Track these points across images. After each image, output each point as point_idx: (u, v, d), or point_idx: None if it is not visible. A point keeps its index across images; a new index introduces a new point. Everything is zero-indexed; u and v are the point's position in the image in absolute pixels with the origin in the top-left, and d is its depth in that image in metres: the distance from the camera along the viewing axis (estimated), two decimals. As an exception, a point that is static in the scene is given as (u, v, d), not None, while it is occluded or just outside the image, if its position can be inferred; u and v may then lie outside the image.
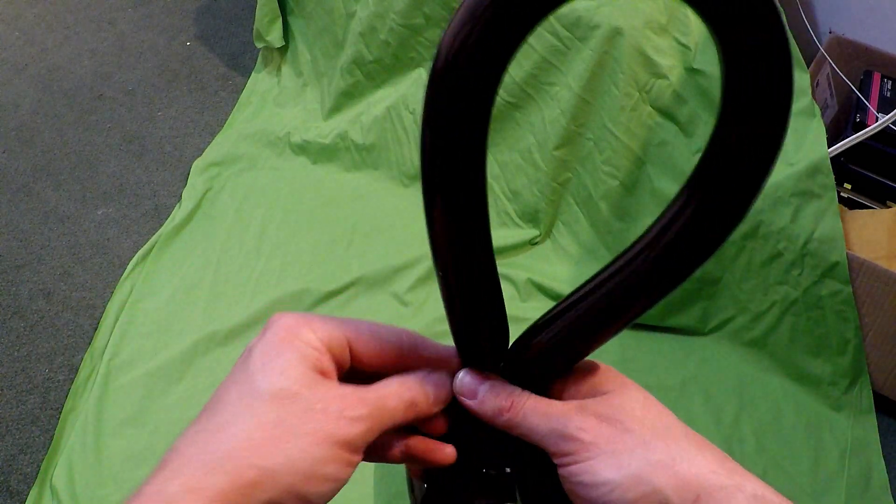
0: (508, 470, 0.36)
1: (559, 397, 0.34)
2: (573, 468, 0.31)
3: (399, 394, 0.32)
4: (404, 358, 0.34)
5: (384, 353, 0.33)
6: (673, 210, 0.30)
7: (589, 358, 0.34)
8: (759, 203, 1.00)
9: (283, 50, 1.53)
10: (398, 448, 0.35)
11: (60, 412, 1.04)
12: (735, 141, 0.30)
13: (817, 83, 1.13)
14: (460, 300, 0.33)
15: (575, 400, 0.33)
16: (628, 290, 0.30)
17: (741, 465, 0.31)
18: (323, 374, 0.31)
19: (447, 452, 0.35)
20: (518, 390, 0.34)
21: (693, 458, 0.30)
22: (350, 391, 0.30)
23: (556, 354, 0.34)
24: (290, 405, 0.28)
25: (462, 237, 0.32)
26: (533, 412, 0.32)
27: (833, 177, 0.97)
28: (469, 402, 0.34)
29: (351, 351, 0.33)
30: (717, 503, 0.29)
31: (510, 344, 0.37)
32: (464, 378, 0.34)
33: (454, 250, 0.32)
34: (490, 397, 0.33)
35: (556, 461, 0.32)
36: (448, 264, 0.32)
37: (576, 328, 0.33)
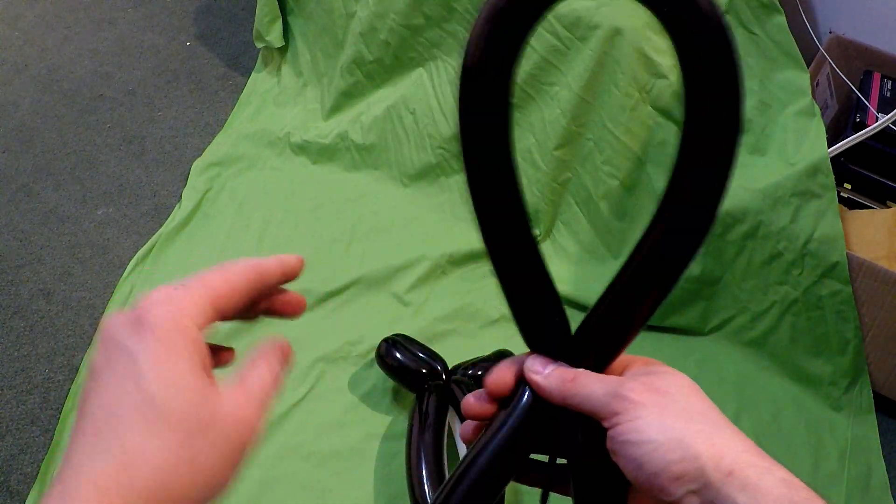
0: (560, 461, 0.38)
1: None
2: (621, 427, 0.32)
3: (263, 378, 0.32)
4: (259, 291, 0.35)
5: (242, 299, 0.34)
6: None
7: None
8: (759, 203, 1.00)
9: (283, 50, 1.53)
10: (260, 309, 0.37)
11: (60, 412, 1.04)
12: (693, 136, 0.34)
13: (817, 83, 1.13)
14: (512, 286, 0.40)
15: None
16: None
17: None
18: (206, 368, 0.30)
19: (298, 300, 0.38)
20: (582, 369, 0.37)
21: (730, 438, 0.31)
22: (237, 393, 0.30)
23: (610, 333, 0.38)
24: (197, 431, 0.28)
25: (502, 218, 0.38)
26: (592, 380, 0.35)
27: (833, 177, 0.97)
28: (536, 377, 0.37)
29: (216, 309, 0.33)
30: (748, 479, 0.30)
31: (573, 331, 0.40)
32: (534, 358, 0.38)
33: (496, 230, 0.38)
34: (556, 372, 0.37)
35: (606, 424, 0.33)
36: (492, 242, 0.39)
37: (622, 301, 0.38)
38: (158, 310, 0.30)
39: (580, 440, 0.36)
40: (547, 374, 0.37)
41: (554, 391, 0.36)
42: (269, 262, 0.36)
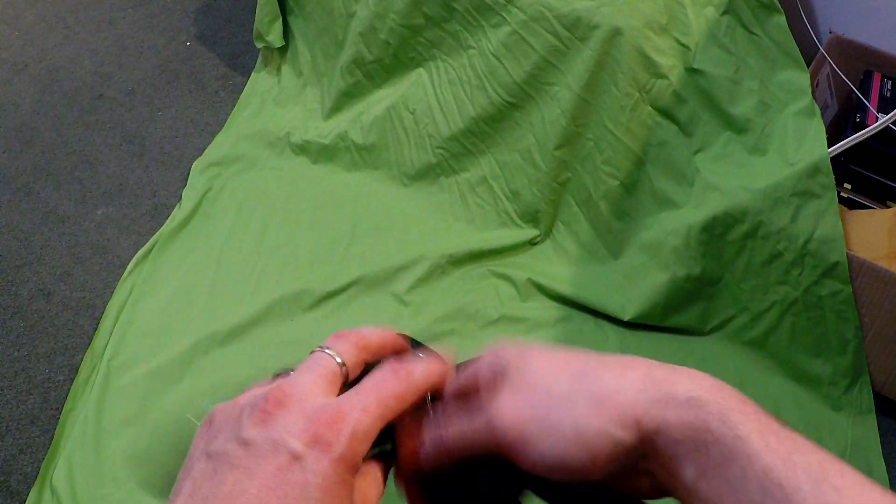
0: None
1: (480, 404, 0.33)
2: (533, 461, 0.30)
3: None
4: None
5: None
6: None
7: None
8: (759, 203, 1.00)
9: (283, 50, 1.53)
10: None
11: (60, 412, 1.04)
12: None
13: (817, 83, 1.13)
14: None
15: (489, 399, 0.32)
16: None
17: None
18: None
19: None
20: (436, 428, 0.32)
21: (618, 387, 0.29)
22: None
23: None
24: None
25: None
26: (462, 435, 0.31)
27: (833, 177, 0.97)
28: (423, 467, 0.33)
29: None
30: (654, 422, 0.28)
31: None
32: (403, 458, 0.33)
33: None
34: (431, 454, 0.32)
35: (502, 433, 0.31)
36: None
37: None
38: (341, 430, 0.27)
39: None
40: (425, 455, 0.32)
41: (440, 462, 0.32)
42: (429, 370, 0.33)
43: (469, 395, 0.33)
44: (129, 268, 1.21)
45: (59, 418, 1.04)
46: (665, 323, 1.09)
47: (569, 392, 0.30)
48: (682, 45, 1.10)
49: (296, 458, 0.25)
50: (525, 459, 0.30)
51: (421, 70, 1.31)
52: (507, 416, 0.30)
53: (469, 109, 1.24)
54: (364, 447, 0.27)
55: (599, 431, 0.28)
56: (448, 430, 0.32)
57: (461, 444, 0.31)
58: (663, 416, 0.28)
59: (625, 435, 0.28)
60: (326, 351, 0.30)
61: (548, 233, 1.23)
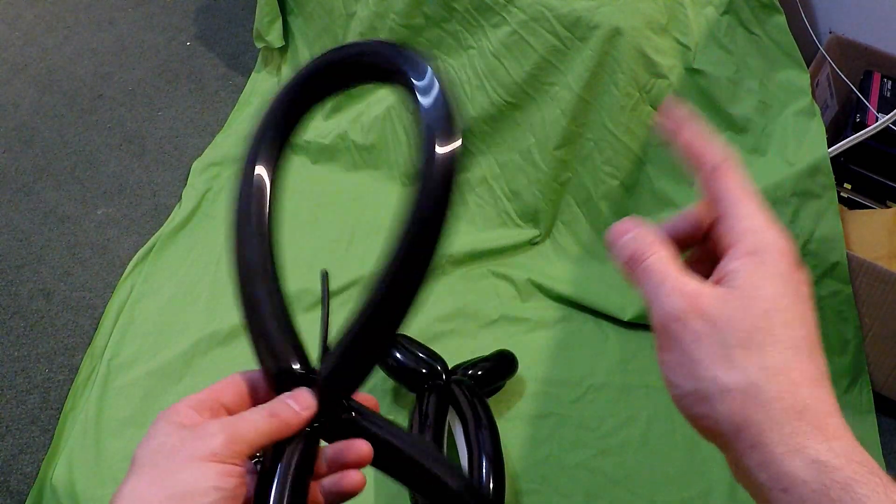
0: None
1: (722, 244, 0.33)
2: (660, 354, 0.31)
3: (254, 411, 0.38)
4: (255, 392, 0.41)
5: (241, 392, 0.40)
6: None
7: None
8: (759, 203, 1.00)
9: (283, 50, 1.53)
10: (321, 464, 0.40)
11: (60, 412, 1.04)
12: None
13: (817, 83, 1.13)
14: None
15: (697, 280, 0.32)
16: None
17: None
18: (190, 424, 0.36)
19: (363, 450, 0.39)
20: (649, 241, 0.34)
21: (769, 401, 0.28)
22: (209, 422, 0.36)
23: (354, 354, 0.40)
24: (162, 451, 0.35)
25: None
26: (649, 274, 0.33)
27: (833, 177, 0.97)
28: (613, 251, 0.35)
29: (219, 401, 0.39)
30: (771, 459, 0.28)
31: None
32: (615, 226, 0.35)
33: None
34: (622, 246, 0.34)
35: (654, 329, 0.32)
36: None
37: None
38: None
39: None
40: (622, 243, 0.35)
41: (622, 264, 0.35)
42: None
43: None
44: (129, 268, 1.21)
45: (59, 418, 1.04)
46: (665, 323, 1.09)
47: (734, 358, 0.29)
48: (682, 45, 1.10)
49: None
50: (659, 358, 0.32)
51: (421, 70, 1.31)
52: (690, 330, 0.30)
53: (469, 109, 1.24)
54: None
55: (715, 416, 0.29)
56: (652, 254, 0.33)
57: (648, 275, 0.33)
58: (782, 461, 0.28)
59: (730, 440, 0.29)
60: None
61: (548, 233, 1.23)
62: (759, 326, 0.29)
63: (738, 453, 0.29)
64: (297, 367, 0.40)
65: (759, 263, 0.31)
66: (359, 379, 0.40)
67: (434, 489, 0.40)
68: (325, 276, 0.46)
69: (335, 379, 0.40)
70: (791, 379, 0.29)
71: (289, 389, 0.39)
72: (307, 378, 0.40)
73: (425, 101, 0.39)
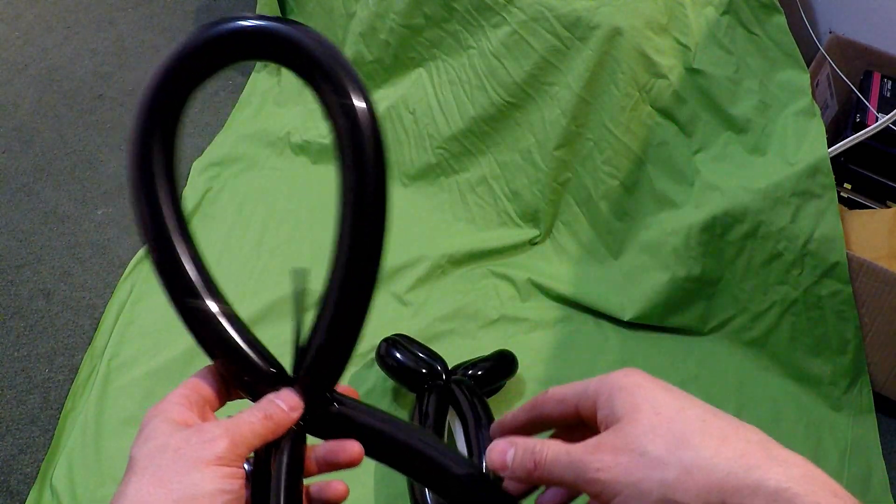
0: None
1: (596, 425, 0.35)
2: None
3: (250, 413, 0.38)
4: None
5: (221, 389, 0.41)
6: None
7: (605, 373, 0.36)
8: (759, 203, 1.00)
9: (283, 50, 1.53)
10: (311, 462, 0.41)
11: (60, 412, 1.04)
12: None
13: (817, 83, 1.13)
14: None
15: (592, 439, 0.34)
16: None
17: None
18: (185, 423, 0.37)
19: (354, 450, 0.40)
20: (538, 444, 0.35)
21: (711, 462, 0.30)
22: (205, 423, 0.37)
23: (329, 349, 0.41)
24: (164, 453, 0.35)
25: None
26: (555, 464, 0.34)
27: (833, 177, 0.97)
28: (503, 475, 0.37)
29: (202, 393, 0.40)
30: None
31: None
32: (492, 452, 0.37)
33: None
34: (518, 465, 0.35)
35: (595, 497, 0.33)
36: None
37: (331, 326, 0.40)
38: (150, 409, 0.39)
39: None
40: (511, 470, 0.36)
41: (521, 477, 0.36)
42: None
43: (569, 415, 0.37)
44: (129, 268, 1.21)
45: (59, 418, 1.04)
46: (665, 323, 1.09)
47: (664, 457, 0.30)
48: (682, 45, 1.10)
49: None
50: None
51: (421, 70, 1.31)
52: (605, 476, 0.31)
53: (469, 109, 1.24)
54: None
55: None
56: (546, 450, 0.34)
57: (554, 469, 0.34)
58: (750, 503, 0.28)
59: None
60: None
61: (548, 233, 1.23)
62: (660, 426, 0.32)
63: None
64: (272, 370, 0.41)
65: (622, 395, 0.34)
66: (338, 371, 0.41)
67: (434, 474, 0.40)
68: (299, 275, 0.46)
69: (316, 374, 0.41)
70: (718, 438, 0.31)
71: (266, 391, 0.40)
72: (284, 378, 0.41)
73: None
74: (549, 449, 0.34)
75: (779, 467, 0.29)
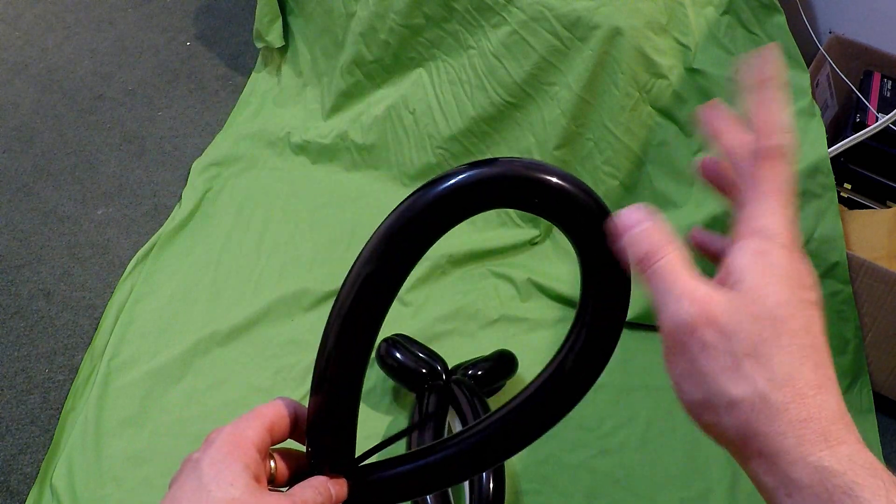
0: None
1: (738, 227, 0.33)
2: (667, 358, 0.32)
3: (314, 498, 0.38)
4: (298, 425, 0.42)
5: (287, 427, 0.41)
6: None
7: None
8: (759, 203, 1.00)
9: (283, 50, 1.53)
10: None
11: (60, 412, 1.04)
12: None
13: (817, 83, 1.13)
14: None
15: (707, 283, 0.32)
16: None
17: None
18: (258, 479, 0.37)
19: None
20: (663, 241, 0.33)
21: (775, 412, 0.29)
22: (279, 498, 0.37)
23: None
24: None
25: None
26: (660, 276, 0.32)
27: (833, 177, 0.97)
28: (617, 241, 0.35)
29: (271, 436, 0.40)
30: (776, 466, 0.28)
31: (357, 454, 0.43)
32: (624, 213, 0.34)
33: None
34: (635, 242, 0.34)
35: (662, 333, 0.32)
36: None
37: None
38: (225, 433, 0.37)
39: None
40: (629, 238, 0.34)
41: (623, 251, 0.34)
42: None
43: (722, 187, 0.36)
44: (129, 268, 1.21)
45: (59, 418, 1.04)
46: (665, 323, 1.09)
47: (742, 368, 0.29)
48: (682, 45, 1.10)
49: (191, 460, 0.37)
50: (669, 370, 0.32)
51: (421, 70, 1.31)
52: (699, 334, 0.30)
53: (469, 109, 1.24)
54: None
55: (722, 427, 0.30)
56: (665, 258, 0.33)
57: (659, 279, 0.32)
58: (788, 468, 0.28)
59: (737, 449, 0.30)
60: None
61: (548, 233, 1.23)
62: (766, 336, 0.30)
63: (745, 459, 0.30)
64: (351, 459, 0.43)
65: (767, 265, 0.31)
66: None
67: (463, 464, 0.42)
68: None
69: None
70: (797, 390, 0.29)
71: (328, 472, 0.41)
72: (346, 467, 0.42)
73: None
74: (666, 256, 0.32)
75: (829, 447, 0.28)
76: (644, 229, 0.33)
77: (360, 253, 0.38)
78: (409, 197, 0.37)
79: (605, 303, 0.39)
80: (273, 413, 0.40)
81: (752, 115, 0.34)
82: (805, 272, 0.32)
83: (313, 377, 0.40)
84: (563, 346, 0.40)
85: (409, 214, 0.37)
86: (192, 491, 0.34)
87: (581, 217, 0.37)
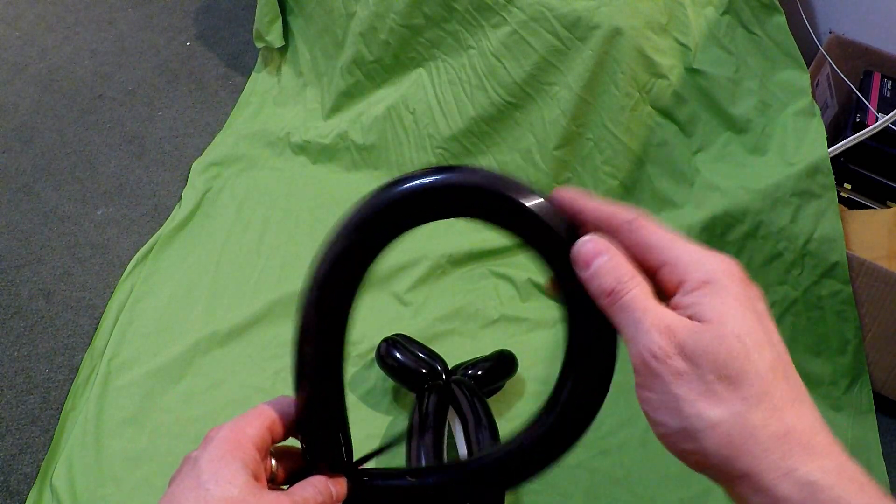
0: None
1: (673, 293, 0.33)
2: (641, 391, 0.31)
3: (314, 497, 0.38)
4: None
5: (289, 425, 0.41)
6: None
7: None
8: (759, 203, 1.00)
9: (283, 50, 1.53)
10: None
11: (60, 412, 1.04)
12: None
13: (817, 83, 1.13)
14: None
15: (672, 314, 0.31)
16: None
17: None
18: (257, 478, 0.37)
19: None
20: (628, 275, 0.33)
21: (756, 429, 0.29)
22: (279, 496, 0.37)
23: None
24: None
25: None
26: (628, 310, 0.32)
27: (833, 177, 0.97)
28: (580, 273, 0.34)
29: (271, 435, 0.40)
30: (763, 484, 0.28)
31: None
32: (585, 244, 0.34)
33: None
34: (599, 275, 0.33)
35: (633, 366, 0.32)
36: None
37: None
38: (223, 431, 0.37)
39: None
40: (592, 272, 0.33)
41: (591, 287, 0.33)
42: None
43: (643, 264, 0.34)
44: (129, 268, 1.21)
45: (59, 418, 1.04)
46: (665, 323, 1.09)
47: (717, 393, 0.30)
48: (682, 45, 1.10)
49: (190, 458, 0.37)
50: (640, 393, 0.32)
51: (421, 70, 1.31)
52: (667, 368, 0.30)
53: (469, 109, 1.24)
54: None
55: (705, 451, 0.29)
56: (633, 292, 0.32)
57: (627, 313, 0.32)
58: (775, 484, 0.28)
59: (722, 471, 0.29)
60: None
61: (548, 233, 1.23)
62: (735, 356, 0.30)
63: (730, 483, 0.30)
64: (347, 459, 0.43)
65: (716, 291, 0.31)
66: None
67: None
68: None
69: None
70: (773, 404, 0.29)
71: (325, 471, 0.41)
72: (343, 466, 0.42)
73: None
74: (633, 290, 0.32)
75: (814, 460, 0.29)
76: (607, 262, 0.33)
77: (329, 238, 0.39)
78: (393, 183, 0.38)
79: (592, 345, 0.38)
80: (273, 411, 0.40)
81: (598, 218, 0.35)
82: (749, 284, 0.32)
83: (292, 372, 0.41)
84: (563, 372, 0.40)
85: (379, 200, 0.38)
86: (191, 489, 0.35)
87: (553, 246, 0.35)
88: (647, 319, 0.31)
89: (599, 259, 0.33)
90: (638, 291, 0.32)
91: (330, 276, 0.38)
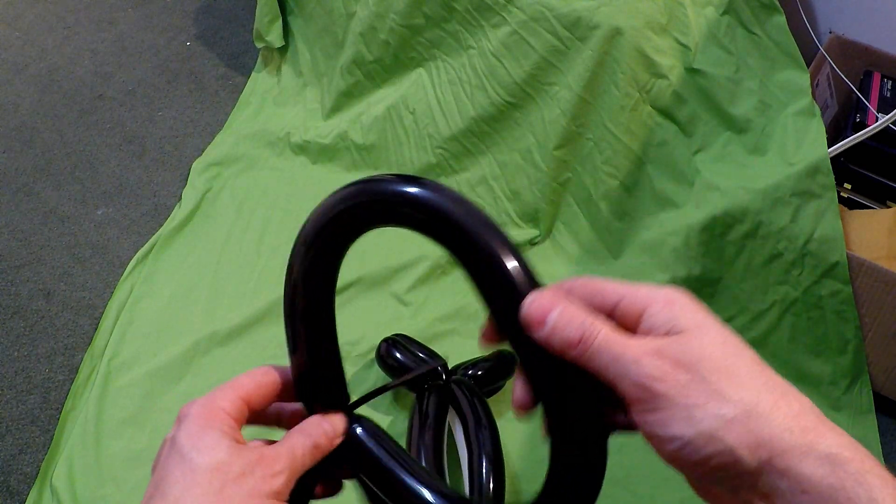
0: None
1: (635, 326, 0.33)
2: (646, 417, 0.31)
3: (303, 443, 0.37)
4: (284, 390, 0.40)
5: (269, 395, 0.40)
6: None
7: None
8: (759, 203, 1.00)
9: (283, 50, 1.53)
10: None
11: (60, 412, 1.04)
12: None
13: (817, 83, 1.13)
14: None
15: (650, 339, 0.31)
16: None
17: None
18: (238, 441, 0.36)
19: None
20: (590, 319, 0.32)
21: (769, 414, 0.29)
22: (267, 451, 0.36)
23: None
24: (227, 473, 0.34)
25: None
26: (605, 350, 0.31)
27: (833, 177, 0.97)
28: (537, 334, 0.33)
29: (248, 405, 0.39)
30: (787, 465, 0.28)
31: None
32: (533, 303, 0.33)
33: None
34: (560, 328, 0.32)
35: (627, 405, 0.31)
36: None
37: None
38: (195, 406, 0.38)
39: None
40: (550, 330, 0.32)
41: (555, 344, 0.32)
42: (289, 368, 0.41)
43: (601, 310, 0.33)
44: (129, 268, 1.21)
45: (59, 418, 1.04)
46: (665, 323, 1.09)
47: (726, 392, 0.29)
48: (682, 45, 1.10)
49: (169, 438, 0.37)
50: (651, 435, 0.31)
51: (421, 70, 1.31)
52: (661, 387, 0.30)
53: (469, 109, 1.24)
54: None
55: (727, 447, 0.29)
56: (599, 330, 0.32)
57: (599, 355, 0.31)
58: (799, 464, 0.28)
59: (749, 462, 0.29)
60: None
61: (548, 233, 1.23)
62: (728, 353, 0.30)
63: (752, 479, 0.29)
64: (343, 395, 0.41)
65: (683, 306, 0.32)
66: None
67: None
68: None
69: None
70: (778, 392, 0.30)
71: (320, 411, 0.40)
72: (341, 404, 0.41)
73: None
74: (602, 330, 0.31)
75: (831, 432, 0.29)
76: (563, 313, 0.32)
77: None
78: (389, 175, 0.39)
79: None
80: (249, 382, 0.39)
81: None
82: (703, 304, 0.33)
83: (285, 331, 0.40)
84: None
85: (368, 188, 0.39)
86: (175, 466, 0.34)
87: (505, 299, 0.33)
88: (629, 352, 0.31)
89: (553, 313, 0.32)
90: (606, 330, 0.32)
91: (325, 228, 0.40)
